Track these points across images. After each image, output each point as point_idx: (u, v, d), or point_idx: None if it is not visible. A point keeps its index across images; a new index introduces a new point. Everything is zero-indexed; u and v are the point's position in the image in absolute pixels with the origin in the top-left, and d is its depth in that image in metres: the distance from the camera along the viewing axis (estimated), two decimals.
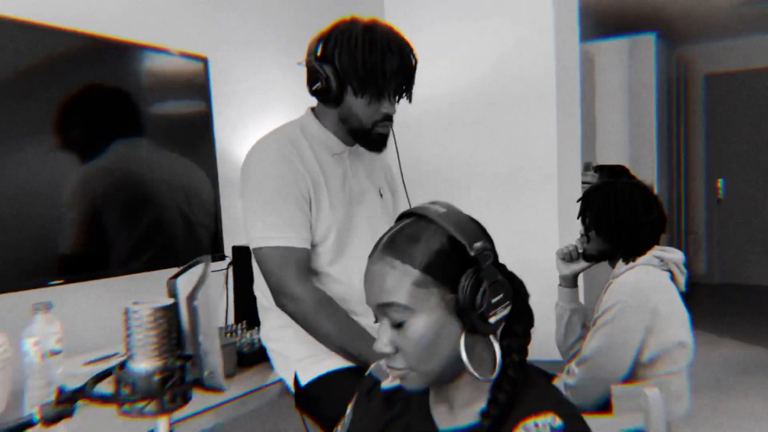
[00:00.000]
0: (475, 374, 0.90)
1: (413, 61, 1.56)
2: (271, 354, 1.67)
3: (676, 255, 1.95)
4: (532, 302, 0.98)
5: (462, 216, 0.93)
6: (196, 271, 0.76)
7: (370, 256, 0.95)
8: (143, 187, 1.71)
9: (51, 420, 0.70)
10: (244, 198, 1.57)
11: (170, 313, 0.75)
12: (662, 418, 1.30)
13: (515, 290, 0.94)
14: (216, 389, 0.74)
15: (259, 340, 1.76)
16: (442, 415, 0.98)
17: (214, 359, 0.74)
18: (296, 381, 1.55)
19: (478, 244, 0.89)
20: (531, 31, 2.62)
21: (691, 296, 1.92)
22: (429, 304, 0.88)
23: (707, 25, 5.98)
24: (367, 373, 1.16)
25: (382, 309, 0.91)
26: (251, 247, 1.55)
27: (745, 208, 6.73)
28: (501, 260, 0.95)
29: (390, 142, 1.75)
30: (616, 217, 1.90)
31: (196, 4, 2.07)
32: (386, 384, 1.10)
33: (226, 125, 2.10)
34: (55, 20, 1.56)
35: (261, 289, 1.64)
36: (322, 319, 1.49)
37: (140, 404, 0.72)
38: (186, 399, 0.74)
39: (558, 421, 0.87)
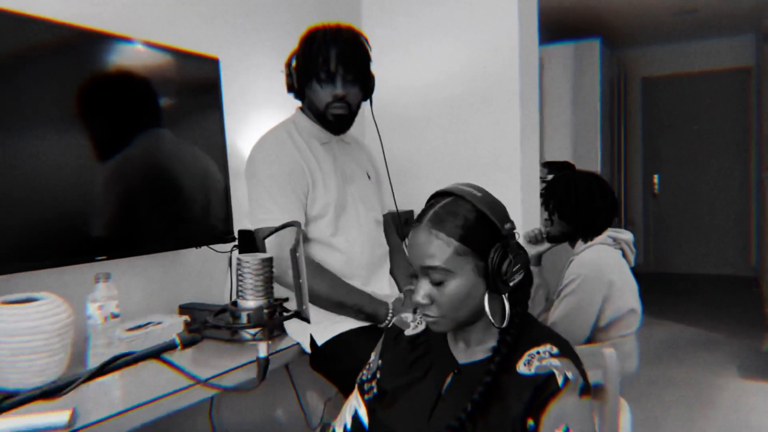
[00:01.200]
0: (494, 323, 1.15)
1: (355, 48, 1.80)
2: (285, 323, 1.89)
3: (626, 236, 2.27)
4: None
5: (492, 198, 1.18)
6: (290, 232, 0.99)
7: (415, 226, 1.18)
8: (169, 177, 1.90)
9: (188, 343, 0.91)
10: (249, 188, 1.81)
11: (270, 263, 0.98)
12: (617, 374, 1.50)
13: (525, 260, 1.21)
14: (307, 320, 0.98)
15: None
16: (460, 352, 1.24)
17: (305, 297, 0.97)
18: (312, 343, 1.77)
19: (507, 225, 1.15)
20: (497, 35, 2.88)
21: None
22: (464, 269, 1.14)
23: (645, 31, 6.43)
24: (390, 324, 1.40)
25: (425, 270, 1.16)
26: (252, 227, 1.79)
27: (678, 203, 7.27)
28: None
29: (374, 136, 2.01)
30: (576, 202, 2.20)
31: (207, 6, 2.26)
32: (409, 332, 1.34)
33: (234, 120, 2.30)
34: (81, 20, 1.74)
35: None
36: (316, 282, 1.73)
37: (253, 330, 0.94)
38: (283, 330, 0.96)
39: (555, 349, 1.14)
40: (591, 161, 5.39)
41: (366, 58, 1.84)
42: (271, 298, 0.98)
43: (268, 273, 0.98)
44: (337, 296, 1.74)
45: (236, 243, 2.22)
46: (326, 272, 1.77)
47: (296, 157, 1.79)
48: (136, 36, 1.85)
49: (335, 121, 1.85)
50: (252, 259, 0.96)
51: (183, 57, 1.99)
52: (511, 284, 1.16)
